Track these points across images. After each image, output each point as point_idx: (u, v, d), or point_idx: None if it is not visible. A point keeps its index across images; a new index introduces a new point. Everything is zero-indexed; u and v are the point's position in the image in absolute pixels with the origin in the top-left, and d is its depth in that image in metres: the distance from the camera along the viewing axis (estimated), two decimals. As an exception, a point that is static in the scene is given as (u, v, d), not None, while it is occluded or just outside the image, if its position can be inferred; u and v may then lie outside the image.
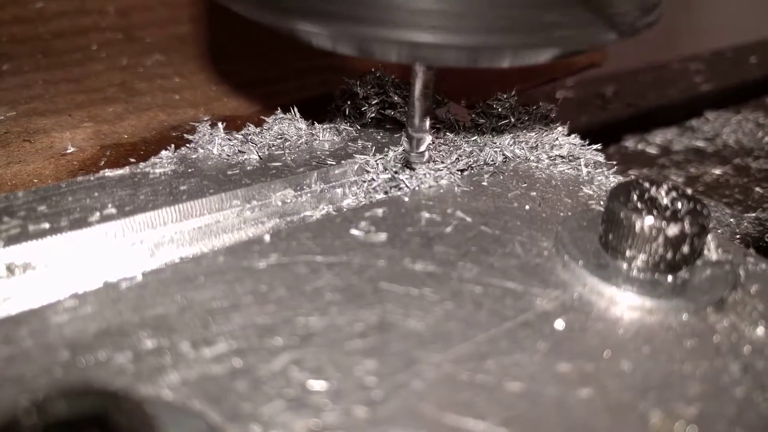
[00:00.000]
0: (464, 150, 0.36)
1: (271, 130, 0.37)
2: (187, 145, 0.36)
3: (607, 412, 0.22)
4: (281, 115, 0.38)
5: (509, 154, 0.37)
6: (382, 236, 0.29)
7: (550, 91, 0.58)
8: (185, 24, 0.56)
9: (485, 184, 0.34)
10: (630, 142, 0.55)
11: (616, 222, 0.27)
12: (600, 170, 0.36)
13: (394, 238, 0.29)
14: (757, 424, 0.22)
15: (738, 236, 0.40)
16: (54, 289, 0.28)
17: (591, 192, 0.34)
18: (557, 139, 0.38)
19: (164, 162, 0.34)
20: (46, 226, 0.29)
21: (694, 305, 0.26)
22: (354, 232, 0.30)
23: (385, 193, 0.34)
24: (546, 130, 0.38)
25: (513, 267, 0.28)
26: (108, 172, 0.33)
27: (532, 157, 0.37)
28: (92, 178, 0.32)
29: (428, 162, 0.35)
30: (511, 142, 0.37)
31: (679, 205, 0.27)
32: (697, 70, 0.66)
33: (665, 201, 0.28)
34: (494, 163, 0.36)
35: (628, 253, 0.27)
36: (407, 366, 0.23)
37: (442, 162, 0.35)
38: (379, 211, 0.31)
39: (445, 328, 0.25)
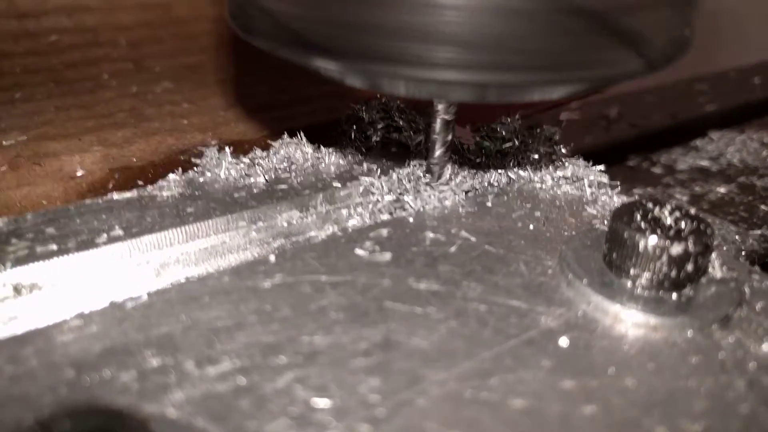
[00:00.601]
0: (468, 171, 0.37)
1: (278, 153, 0.37)
2: (195, 168, 0.36)
3: (611, 429, 0.22)
4: (288, 140, 0.39)
5: (513, 176, 0.37)
6: (387, 256, 0.30)
7: (554, 113, 0.58)
8: (195, 54, 0.57)
9: (489, 204, 0.34)
10: (634, 162, 0.55)
11: (620, 241, 0.27)
12: (604, 190, 0.36)
13: (399, 257, 0.30)
14: (765, 442, 0.22)
15: (744, 253, 0.40)
16: (60, 309, 0.28)
17: (595, 212, 0.34)
18: (561, 160, 0.38)
19: (171, 185, 0.34)
20: (54, 247, 0.29)
21: (699, 322, 0.26)
22: (359, 251, 0.30)
23: (390, 213, 0.35)
24: (550, 152, 0.39)
25: (517, 285, 0.28)
26: (116, 195, 0.33)
27: (536, 178, 0.37)
28: (100, 201, 0.33)
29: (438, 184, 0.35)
30: (515, 164, 0.38)
31: (683, 224, 0.27)
32: (701, 90, 0.67)
33: (669, 221, 0.28)
34: (498, 185, 0.36)
35: (632, 271, 0.27)
36: (411, 384, 0.23)
37: (447, 183, 0.35)
38: (384, 231, 0.31)
39: (449, 347, 0.25)
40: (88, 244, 0.29)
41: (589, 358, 0.24)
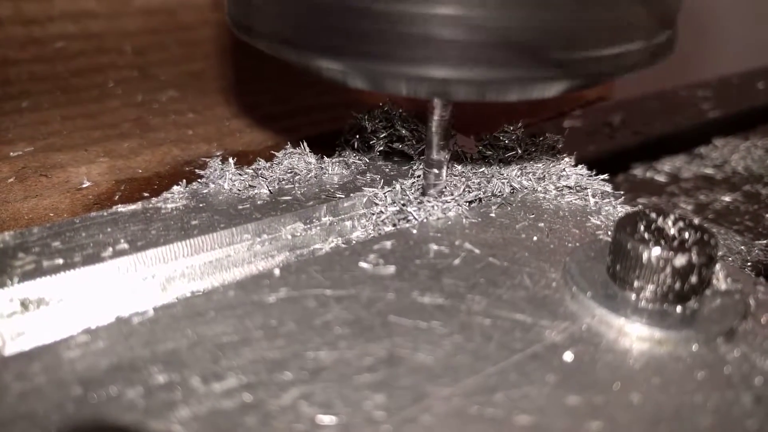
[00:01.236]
0: (472, 182, 0.37)
1: (281, 164, 0.37)
2: (199, 180, 0.36)
3: (617, 445, 0.22)
4: (291, 150, 0.39)
5: (517, 186, 0.37)
6: (391, 269, 0.30)
7: (557, 121, 0.58)
8: (199, 61, 0.58)
9: (493, 215, 0.35)
10: (638, 171, 0.55)
11: (624, 253, 0.27)
12: (608, 200, 0.36)
13: (403, 270, 0.30)
14: (771, 458, 0.22)
15: (749, 263, 0.40)
16: (67, 324, 0.28)
17: (599, 222, 0.34)
18: (564, 169, 0.38)
19: (176, 197, 0.34)
20: (60, 261, 0.29)
21: (704, 336, 0.26)
22: (363, 264, 0.30)
23: (394, 225, 0.35)
24: (553, 161, 0.39)
25: (521, 299, 0.28)
26: (121, 208, 0.33)
27: (539, 188, 0.37)
28: (105, 214, 0.33)
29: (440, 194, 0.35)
30: (518, 174, 0.38)
31: (687, 235, 0.27)
32: (705, 97, 0.67)
33: (672, 231, 0.28)
34: (502, 195, 0.37)
35: (636, 283, 0.27)
36: (416, 400, 0.23)
37: (450, 194, 0.35)
38: (388, 244, 0.31)
39: (454, 362, 0.25)
40: (94, 258, 0.30)
41: (594, 373, 0.24)
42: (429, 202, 0.35)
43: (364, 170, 0.39)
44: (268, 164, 0.38)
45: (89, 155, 0.42)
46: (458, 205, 0.35)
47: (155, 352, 0.25)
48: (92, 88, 0.52)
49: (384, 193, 0.36)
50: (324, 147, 0.40)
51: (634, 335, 0.26)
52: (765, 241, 0.42)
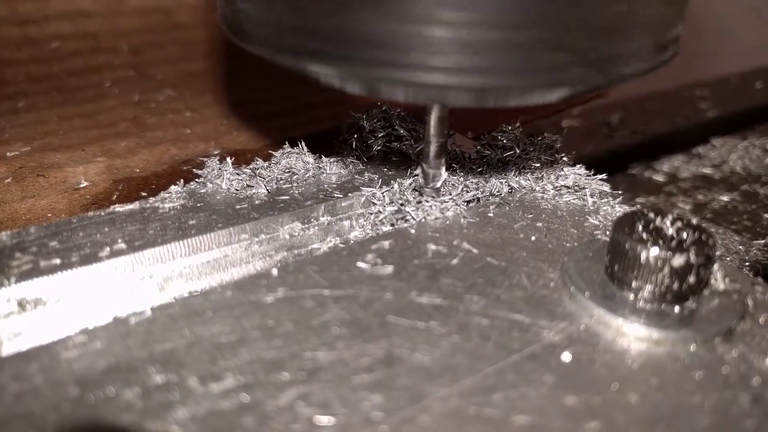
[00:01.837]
0: (470, 181, 0.37)
1: (279, 164, 0.37)
2: (196, 179, 0.36)
3: (615, 446, 0.22)
4: (289, 149, 0.39)
5: (515, 185, 0.37)
6: (389, 269, 0.30)
7: (555, 120, 0.58)
8: (196, 61, 0.58)
9: (491, 215, 0.34)
10: (636, 170, 0.55)
11: (622, 253, 0.27)
12: (605, 200, 0.36)
13: (401, 270, 0.30)
14: (769, 458, 0.22)
15: (747, 263, 0.40)
16: (64, 325, 0.28)
17: (597, 222, 0.34)
18: (562, 169, 0.38)
19: (173, 197, 0.34)
20: (57, 261, 0.29)
21: (702, 336, 0.26)
22: (361, 264, 0.30)
23: (392, 225, 0.35)
24: (551, 161, 0.39)
25: (519, 299, 0.28)
26: (118, 208, 0.33)
27: (537, 188, 0.37)
28: (102, 214, 0.33)
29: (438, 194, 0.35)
30: (516, 173, 0.38)
31: (685, 235, 0.27)
32: (703, 96, 0.67)
33: (670, 231, 0.28)
34: (500, 194, 0.36)
35: (634, 284, 0.27)
36: (414, 400, 0.23)
37: (449, 193, 0.35)
38: (386, 244, 0.31)
39: (451, 362, 0.25)
40: (91, 258, 0.29)
41: (591, 374, 0.24)
42: (427, 201, 0.35)
43: (362, 170, 0.39)
44: (266, 164, 0.37)
45: (86, 155, 0.41)
46: (456, 204, 0.35)
47: (153, 353, 0.25)
48: (89, 87, 0.52)
49: (382, 193, 0.36)
50: (324, 145, 0.40)
51: (632, 335, 0.26)
52: (763, 241, 0.42)
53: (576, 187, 0.37)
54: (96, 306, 0.29)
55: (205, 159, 0.37)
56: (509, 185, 0.37)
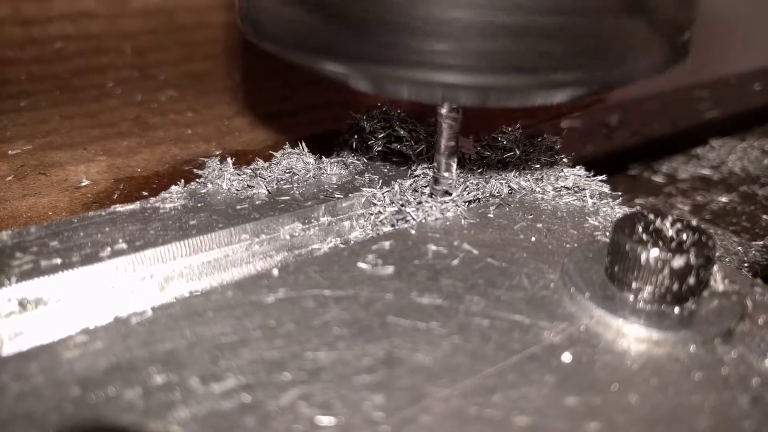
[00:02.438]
0: (470, 182, 0.37)
1: (280, 164, 0.37)
2: (197, 180, 0.36)
3: (615, 446, 0.22)
4: (289, 150, 0.39)
5: (515, 186, 0.37)
6: (389, 269, 0.30)
7: (555, 122, 0.58)
8: (199, 62, 0.58)
9: (491, 216, 0.35)
10: (636, 171, 0.55)
11: (622, 254, 0.27)
12: (605, 201, 0.36)
13: (401, 271, 0.30)
14: (768, 459, 0.22)
15: (746, 264, 0.40)
16: (65, 325, 0.28)
17: (596, 223, 0.34)
18: (562, 170, 0.38)
19: (174, 197, 0.34)
20: (58, 261, 0.29)
21: (702, 337, 0.26)
22: (361, 265, 0.30)
23: (392, 225, 0.35)
24: (551, 162, 0.39)
25: (520, 300, 0.28)
26: (119, 207, 0.33)
27: (537, 189, 0.37)
28: (103, 213, 0.33)
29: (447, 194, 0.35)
30: (516, 174, 0.38)
31: (684, 236, 0.28)
32: (702, 97, 0.67)
33: (670, 232, 0.28)
34: (500, 195, 0.37)
35: (634, 284, 0.27)
36: (415, 401, 0.23)
37: (449, 194, 0.35)
38: (386, 244, 0.31)
39: (452, 362, 0.25)
40: (92, 257, 0.29)
41: (592, 374, 0.24)
42: (427, 202, 0.35)
43: (363, 170, 0.39)
44: (267, 164, 0.38)
45: (88, 154, 0.42)
46: (457, 205, 0.35)
47: (154, 353, 0.25)
48: (91, 87, 0.52)
49: (382, 194, 0.36)
50: (323, 146, 0.40)
51: (632, 336, 0.26)
52: (762, 242, 0.42)
53: (576, 188, 0.37)
54: (97, 306, 0.29)
55: (206, 159, 0.37)
56: (509, 186, 0.37)
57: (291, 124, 0.48)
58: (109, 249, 0.30)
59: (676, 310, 0.27)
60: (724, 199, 0.49)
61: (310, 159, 0.38)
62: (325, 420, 0.22)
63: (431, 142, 0.39)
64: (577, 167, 0.38)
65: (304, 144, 0.39)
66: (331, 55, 0.27)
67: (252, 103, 0.51)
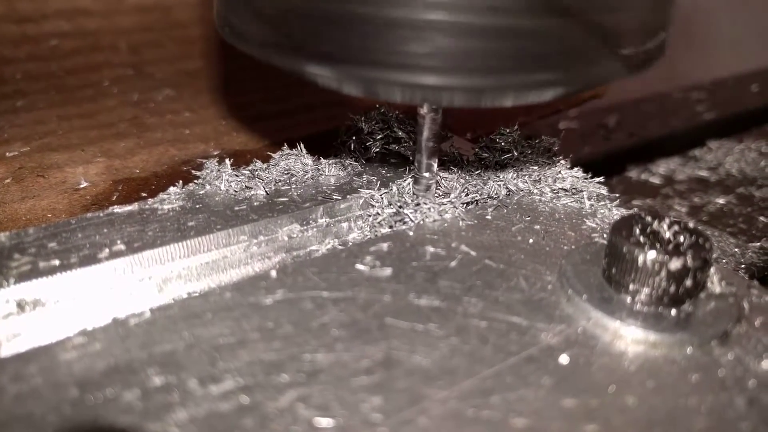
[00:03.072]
0: (468, 184, 0.37)
1: (278, 165, 0.37)
2: (195, 181, 0.36)
3: (612, 448, 0.22)
4: (287, 151, 0.39)
5: (513, 188, 0.37)
6: (387, 271, 0.30)
7: (553, 123, 0.58)
8: (195, 60, 0.57)
9: (489, 217, 0.35)
10: (633, 173, 0.55)
11: (619, 256, 0.28)
12: (603, 203, 0.36)
13: (399, 272, 0.30)
14: (764, 461, 0.22)
15: (743, 266, 0.40)
16: (63, 326, 0.28)
17: (594, 225, 0.35)
18: (560, 172, 0.38)
19: (172, 198, 0.34)
20: (56, 262, 0.29)
21: (699, 339, 0.26)
22: (359, 266, 0.30)
23: (390, 227, 0.35)
24: (549, 163, 0.39)
25: (517, 301, 0.28)
26: (117, 209, 0.33)
27: (535, 191, 0.37)
28: (101, 215, 0.33)
29: (433, 197, 0.35)
30: (514, 176, 0.38)
31: (682, 238, 0.28)
32: (699, 99, 0.67)
33: (668, 235, 0.28)
34: (498, 197, 0.37)
35: (631, 287, 0.27)
36: (413, 403, 0.23)
37: (447, 196, 0.36)
38: (384, 246, 0.32)
39: (450, 364, 0.25)
40: (90, 259, 0.29)
41: (589, 376, 0.25)
42: (425, 204, 0.35)
43: (361, 172, 0.39)
44: (265, 165, 0.38)
45: (86, 155, 0.41)
46: (454, 207, 0.35)
47: (152, 354, 0.25)
48: (87, 86, 0.51)
49: (380, 195, 0.36)
50: (322, 146, 0.40)
51: (629, 338, 0.26)
52: (758, 244, 0.42)
53: (573, 190, 0.37)
54: (95, 307, 0.29)
55: (204, 160, 0.37)
56: (507, 188, 0.37)
57: (289, 124, 0.48)
58: (107, 250, 0.30)
59: (673, 312, 0.27)
60: (721, 201, 0.49)
61: (308, 160, 0.38)
62: (324, 422, 0.22)
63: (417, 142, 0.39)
64: (575, 169, 0.39)
65: (302, 145, 0.39)
66: (319, 58, 0.26)
67: (249, 103, 0.51)
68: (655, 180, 0.54)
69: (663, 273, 0.27)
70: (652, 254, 0.27)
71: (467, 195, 0.36)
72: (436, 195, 0.35)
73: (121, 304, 0.29)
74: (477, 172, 0.38)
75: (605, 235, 0.33)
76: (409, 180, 0.37)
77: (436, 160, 0.35)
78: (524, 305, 0.28)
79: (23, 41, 0.54)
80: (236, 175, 0.36)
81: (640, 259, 0.27)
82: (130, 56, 0.57)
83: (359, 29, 0.25)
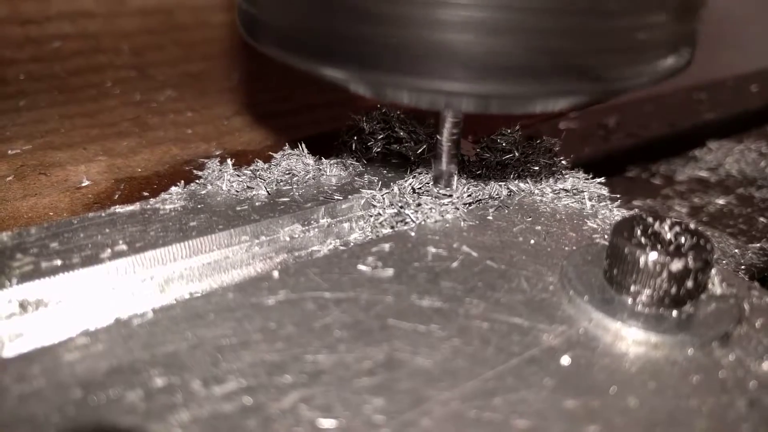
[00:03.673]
0: (470, 184, 0.37)
1: (279, 165, 0.38)
2: (197, 181, 0.36)
3: (614, 449, 0.22)
4: (289, 151, 0.39)
5: (514, 188, 0.37)
6: (389, 272, 0.30)
7: (553, 123, 0.58)
8: (197, 62, 0.58)
9: (490, 218, 0.35)
10: (633, 173, 0.55)
11: (621, 257, 0.28)
12: (604, 203, 0.37)
13: (401, 273, 0.30)
14: (765, 462, 0.22)
15: (743, 267, 0.40)
16: (66, 326, 0.28)
17: (595, 225, 0.35)
18: (561, 172, 0.38)
19: (174, 198, 0.34)
20: (58, 262, 0.29)
21: (700, 340, 0.26)
22: (361, 267, 0.30)
23: (392, 227, 0.35)
24: (550, 164, 0.39)
25: (519, 302, 0.28)
26: (119, 209, 0.33)
27: (536, 191, 0.37)
28: (103, 215, 0.33)
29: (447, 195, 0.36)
30: (515, 176, 0.38)
31: (683, 239, 0.28)
32: (699, 99, 0.67)
33: (669, 236, 0.28)
34: (499, 197, 0.37)
35: (632, 288, 0.27)
36: (415, 404, 0.23)
37: (448, 196, 0.36)
38: (386, 246, 0.32)
39: (452, 366, 0.25)
40: (92, 259, 0.30)
41: (590, 377, 0.25)
42: (427, 204, 0.35)
43: (362, 172, 0.39)
44: (266, 165, 0.38)
45: (88, 154, 0.42)
46: (456, 207, 0.35)
47: (155, 355, 0.25)
48: (90, 87, 0.52)
49: (382, 195, 0.36)
50: (324, 146, 0.40)
51: (631, 339, 0.26)
52: (759, 245, 0.42)
53: (574, 191, 0.37)
54: (97, 307, 0.29)
55: (206, 160, 0.37)
56: (508, 188, 0.37)
57: (291, 124, 0.49)
58: (109, 250, 0.30)
59: (674, 313, 0.27)
60: (721, 202, 0.49)
61: (310, 160, 0.38)
62: (326, 423, 0.22)
63: (431, 143, 0.39)
64: (576, 169, 0.39)
65: (303, 145, 0.39)
66: (331, 60, 0.27)
67: (251, 103, 0.51)
68: (656, 180, 0.54)
69: (664, 274, 0.27)
70: (653, 255, 0.27)
71: (469, 195, 0.36)
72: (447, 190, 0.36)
73: (123, 305, 0.29)
74: (478, 172, 0.38)
75: (606, 236, 0.33)
76: (410, 180, 0.37)
77: (455, 162, 0.35)
78: (526, 306, 0.28)
79: (26, 43, 0.54)
80: (238, 175, 0.36)
81: (642, 260, 0.27)
82: (132, 58, 0.57)
83: (390, 33, 0.25)
